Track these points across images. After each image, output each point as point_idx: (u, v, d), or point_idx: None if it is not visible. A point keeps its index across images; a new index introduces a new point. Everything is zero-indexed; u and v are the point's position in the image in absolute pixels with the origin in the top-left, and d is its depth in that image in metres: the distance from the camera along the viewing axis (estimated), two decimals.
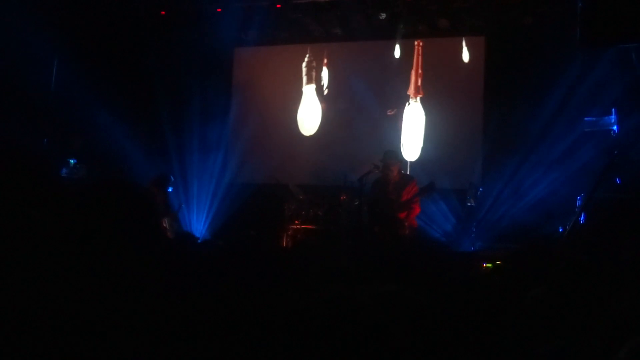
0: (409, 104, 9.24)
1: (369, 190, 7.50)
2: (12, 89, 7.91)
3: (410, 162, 8.96)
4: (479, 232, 8.13)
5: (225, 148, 9.94)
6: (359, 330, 1.18)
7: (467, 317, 2.02)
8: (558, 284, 2.30)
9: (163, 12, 9.73)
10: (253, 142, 9.73)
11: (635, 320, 1.98)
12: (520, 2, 8.48)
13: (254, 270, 2.67)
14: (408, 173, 8.46)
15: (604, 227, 6.05)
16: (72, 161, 8.68)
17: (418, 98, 9.22)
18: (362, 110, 9.31)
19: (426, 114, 9.14)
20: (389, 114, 9.22)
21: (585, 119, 7.24)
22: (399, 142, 9.14)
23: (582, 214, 6.30)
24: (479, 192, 8.14)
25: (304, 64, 9.83)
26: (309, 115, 9.77)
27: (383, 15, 8.97)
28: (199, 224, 9.72)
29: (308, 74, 9.81)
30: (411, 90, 9.24)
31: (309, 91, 9.82)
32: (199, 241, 4.72)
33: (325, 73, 9.80)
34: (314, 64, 9.80)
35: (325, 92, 9.80)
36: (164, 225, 7.96)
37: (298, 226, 8.55)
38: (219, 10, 9.43)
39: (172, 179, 8.44)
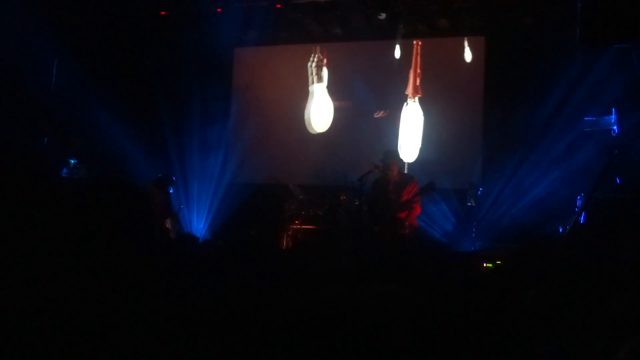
0: (407, 104, 9.23)
1: (369, 190, 7.49)
2: (12, 89, 7.92)
3: (410, 162, 8.94)
4: (479, 232, 8.12)
5: (225, 148, 9.93)
6: (359, 330, 1.18)
7: (467, 317, 2.02)
8: (558, 284, 2.29)
9: (163, 12, 9.73)
10: (253, 142, 9.73)
11: (635, 320, 1.98)
12: (520, 2, 8.48)
13: (254, 271, 2.67)
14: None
15: (604, 227, 6.05)
16: (72, 161, 8.69)
17: (416, 98, 9.20)
18: (362, 110, 9.31)
19: (426, 114, 9.13)
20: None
21: (585, 118, 7.24)
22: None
23: (582, 214, 6.30)
24: (479, 192, 8.14)
25: (313, 64, 9.77)
26: (321, 113, 9.72)
27: (383, 15, 8.97)
28: (199, 224, 9.71)
29: (317, 73, 9.78)
30: (409, 90, 9.23)
31: (318, 89, 9.78)
32: (200, 241, 4.72)
33: (325, 73, 9.80)
34: (323, 62, 9.78)
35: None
36: (167, 226, 7.97)
37: (298, 226, 8.55)
38: (219, 10, 9.43)
39: (174, 180, 8.45)
